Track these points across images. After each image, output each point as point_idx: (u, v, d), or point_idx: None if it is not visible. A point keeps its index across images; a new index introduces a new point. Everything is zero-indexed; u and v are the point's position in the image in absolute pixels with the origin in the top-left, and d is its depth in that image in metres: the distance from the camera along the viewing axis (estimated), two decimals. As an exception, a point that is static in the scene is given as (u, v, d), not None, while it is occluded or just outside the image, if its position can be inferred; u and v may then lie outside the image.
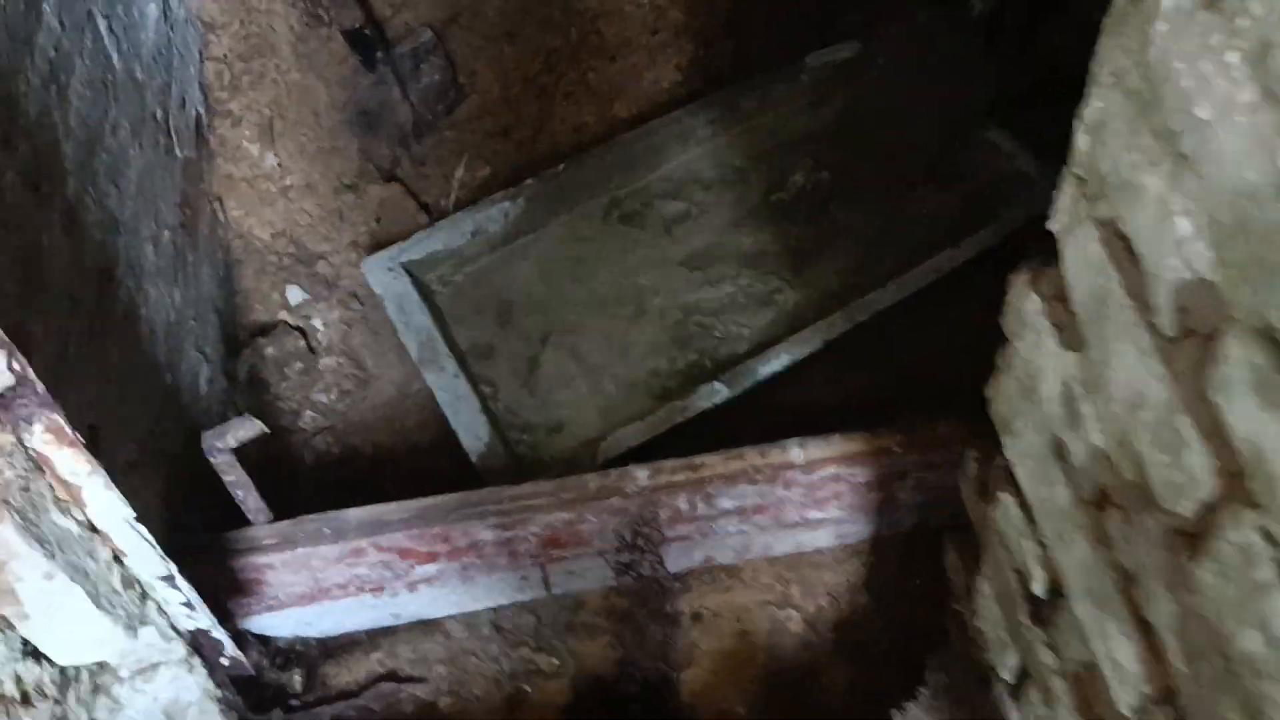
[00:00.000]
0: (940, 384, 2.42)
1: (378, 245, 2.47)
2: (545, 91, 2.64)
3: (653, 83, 2.73)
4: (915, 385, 2.41)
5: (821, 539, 2.20)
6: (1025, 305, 1.29)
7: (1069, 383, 1.18)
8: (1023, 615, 1.46)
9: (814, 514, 2.10)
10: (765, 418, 2.38)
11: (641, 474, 1.97)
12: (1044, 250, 1.22)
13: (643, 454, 2.14)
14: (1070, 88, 2.56)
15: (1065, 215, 1.15)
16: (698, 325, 2.36)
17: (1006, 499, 1.46)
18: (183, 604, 1.54)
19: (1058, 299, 1.19)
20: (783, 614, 2.26)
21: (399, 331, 2.27)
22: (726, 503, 2.01)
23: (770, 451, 1.99)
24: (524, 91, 2.63)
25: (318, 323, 2.46)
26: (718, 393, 2.18)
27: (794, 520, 2.11)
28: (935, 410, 2.36)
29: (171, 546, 1.81)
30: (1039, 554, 1.38)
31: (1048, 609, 1.40)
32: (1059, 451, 1.25)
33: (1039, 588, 1.41)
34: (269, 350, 2.42)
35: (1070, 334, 1.17)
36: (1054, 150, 2.61)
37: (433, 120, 2.57)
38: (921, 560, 2.26)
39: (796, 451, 1.99)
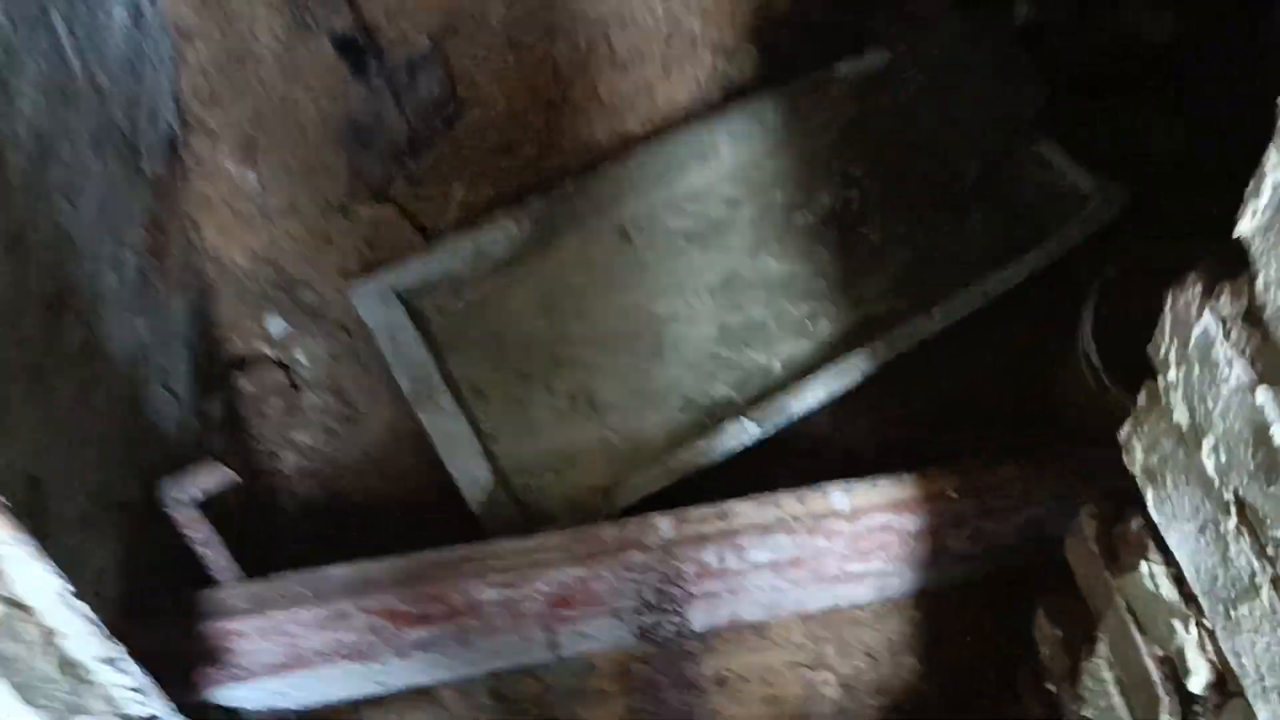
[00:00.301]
0: (987, 412, 2.20)
1: (368, 271, 2.26)
2: (552, 105, 2.44)
3: (668, 96, 2.52)
4: (959, 414, 2.19)
5: (861, 593, 1.97)
6: (1197, 327, 1.03)
7: (1265, 427, 0.94)
8: (1167, 715, 1.20)
9: (856, 567, 1.88)
10: (799, 456, 2.16)
11: (664, 524, 1.75)
12: (1220, 258, 0.98)
13: (663, 501, 1.92)
14: (1119, 89, 2.35)
15: (1267, 211, 0.91)
16: (722, 357, 2.14)
17: (1151, 569, 1.21)
18: (131, 689, 1.30)
19: (1249, 319, 0.95)
20: (816, 677, 2.02)
21: (391, 366, 2.05)
22: (760, 556, 1.78)
23: (810, 498, 1.77)
24: (529, 105, 2.42)
25: (301, 356, 2.24)
26: (747, 432, 1.95)
27: (833, 574, 1.88)
28: (984, 442, 2.15)
29: (128, 610, 1.59)
30: (1198, 640, 1.13)
31: (1209, 711, 1.16)
32: (1240, 514, 1.01)
33: (1196, 683, 1.16)
34: (247, 386, 2.20)
35: (1269, 363, 0.94)
36: (1107, 162, 2.43)
37: (430, 136, 2.36)
38: (973, 617, 2.04)
39: (840, 498, 1.76)
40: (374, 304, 2.11)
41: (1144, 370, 1.95)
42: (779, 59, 2.60)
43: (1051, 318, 2.26)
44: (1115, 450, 1.24)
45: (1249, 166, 0.90)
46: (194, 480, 1.53)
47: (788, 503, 1.77)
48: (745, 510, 1.76)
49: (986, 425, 2.17)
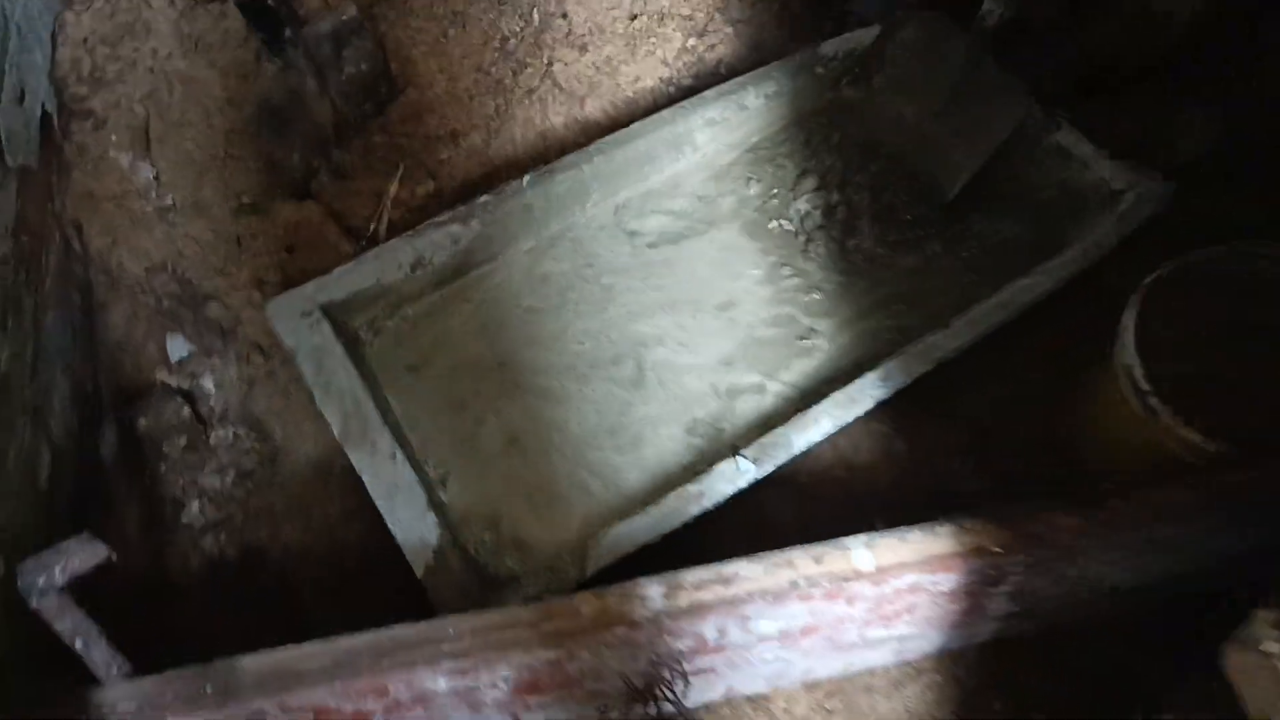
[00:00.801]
0: (1024, 440, 1.93)
1: (289, 283, 1.91)
2: (501, 87, 2.11)
3: (632, 79, 2.21)
4: (982, 443, 1.91)
5: (878, 657, 1.69)
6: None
7: None
8: None
9: (877, 632, 1.59)
10: (797, 488, 1.86)
11: (653, 592, 1.44)
12: None
13: (645, 555, 1.61)
14: (1133, 79, 2.07)
15: None
16: (712, 384, 1.84)
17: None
18: None
19: None
20: (822, 754, 1.73)
21: (317, 398, 1.71)
22: (768, 627, 1.48)
23: (828, 556, 1.47)
24: (475, 86, 2.09)
25: (208, 383, 1.89)
26: (743, 472, 1.65)
27: (850, 641, 1.59)
28: (1013, 477, 1.87)
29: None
30: None
31: None
32: None
33: None
34: (142, 422, 1.84)
35: None
36: (1131, 151, 2.16)
37: (359, 120, 2.02)
38: (1006, 678, 1.76)
39: (863, 555, 1.47)
40: (295, 322, 1.77)
41: (1196, 389, 1.71)
42: (754, 39, 2.30)
43: (1080, 331, 1.99)
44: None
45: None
46: (59, 561, 1.18)
47: (802, 562, 1.47)
48: (752, 573, 1.46)
49: (1012, 456, 1.90)
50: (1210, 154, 2.08)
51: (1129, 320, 1.70)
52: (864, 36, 2.19)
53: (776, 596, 1.44)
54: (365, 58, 1.96)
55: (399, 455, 1.66)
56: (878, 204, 2.08)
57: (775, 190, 2.10)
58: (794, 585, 1.45)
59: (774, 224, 2.04)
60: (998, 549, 1.48)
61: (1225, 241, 1.75)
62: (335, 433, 1.69)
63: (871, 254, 2.02)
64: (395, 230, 1.98)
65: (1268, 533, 1.57)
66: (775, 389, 1.83)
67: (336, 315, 1.82)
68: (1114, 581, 1.64)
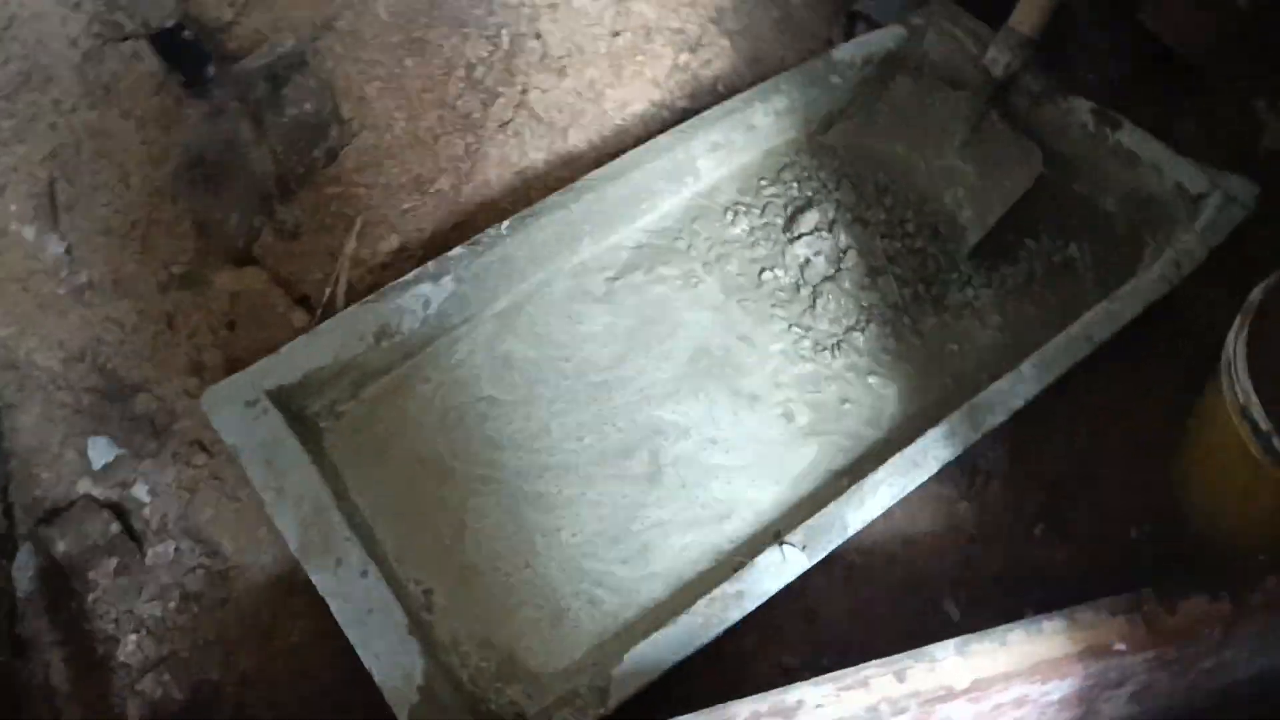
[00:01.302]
0: (1112, 502, 1.64)
1: (233, 365, 1.62)
2: (470, 122, 1.83)
3: (620, 104, 1.93)
4: (1074, 506, 1.63)
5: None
6: None
7: None
8: None
9: (969, 757, 1.29)
10: (855, 579, 1.57)
11: (697, 733, 1.13)
12: None
13: (677, 676, 1.31)
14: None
15: None
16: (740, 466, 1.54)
17: None
18: None
19: None
20: None
21: (268, 505, 1.41)
22: (842, 764, 1.18)
23: (911, 671, 1.17)
24: (440, 124, 1.81)
25: (141, 492, 1.59)
26: (790, 563, 1.36)
27: (937, 770, 1.29)
28: (1120, 554, 1.59)
29: None
30: None
31: None
32: None
33: None
34: (62, 544, 1.54)
35: None
36: (1202, 149, 1.89)
37: (307, 170, 1.73)
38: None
39: (956, 667, 1.17)
40: (240, 413, 1.47)
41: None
42: (752, 51, 2.03)
43: (1166, 366, 1.71)
44: None
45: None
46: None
47: (880, 682, 1.17)
48: (819, 698, 1.16)
49: (1100, 520, 1.61)
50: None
51: (1237, 346, 1.42)
52: (884, 39, 1.93)
53: (852, 728, 1.15)
54: (309, 97, 1.67)
55: (371, 571, 1.35)
56: (896, 246, 1.80)
57: (798, 219, 1.80)
58: (874, 712, 1.15)
59: (804, 263, 1.75)
60: (1123, 646, 1.18)
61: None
62: (292, 547, 1.39)
63: (897, 301, 1.73)
64: (356, 295, 1.68)
65: None
66: (821, 462, 1.54)
67: (289, 401, 1.52)
68: (1249, 672, 1.35)
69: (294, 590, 1.55)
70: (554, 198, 1.69)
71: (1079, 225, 1.77)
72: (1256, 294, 1.46)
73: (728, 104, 1.82)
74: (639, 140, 1.92)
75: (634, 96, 1.94)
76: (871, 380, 1.63)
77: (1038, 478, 1.63)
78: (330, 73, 1.74)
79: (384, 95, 1.79)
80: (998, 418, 1.45)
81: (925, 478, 1.42)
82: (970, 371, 1.63)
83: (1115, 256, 1.72)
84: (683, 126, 1.79)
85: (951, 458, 1.43)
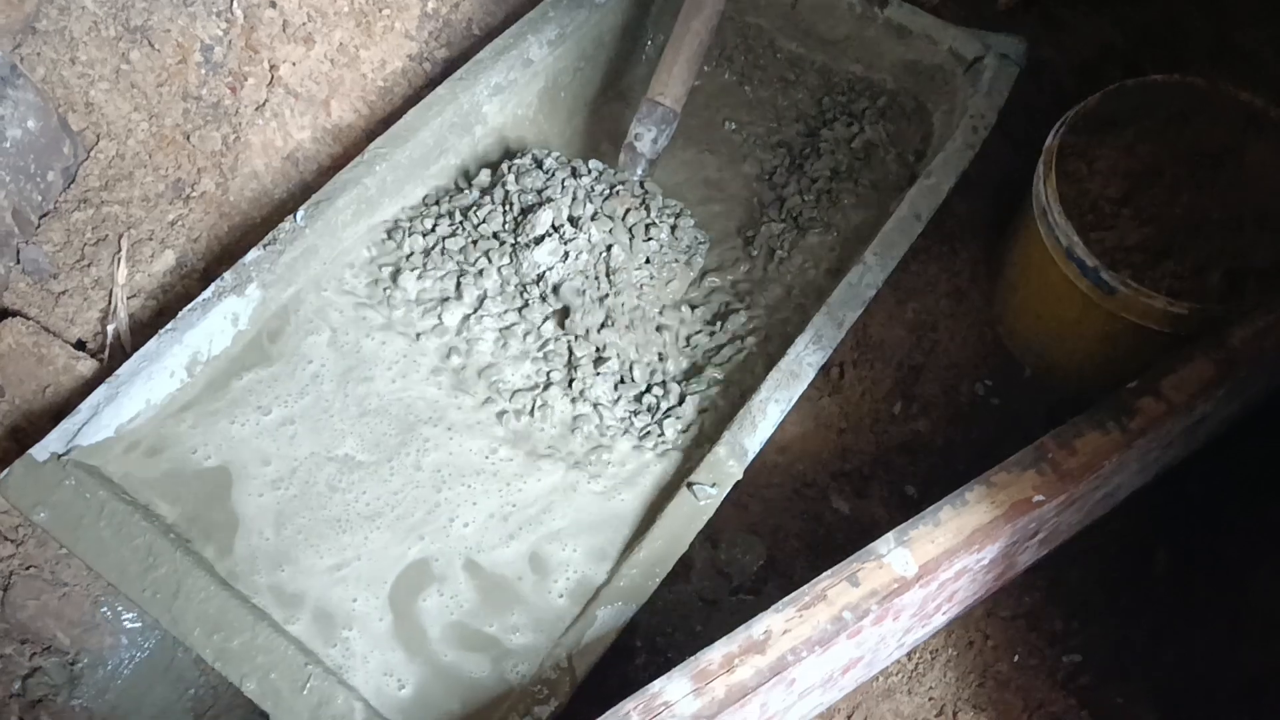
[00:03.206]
0: (952, 361, 1.69)
1: (18, 436, 1.39)
2: (221, 110, 1.64)
3: (378, 64, 1.78)
4: (923, 374, 1.67)
5: (893, 656, 1.42)
6: None
7: None
8: None
9: (914, 634, 1.32)
10: (748, 501, 1.56)
11: (677, 691, 1.09)
12: None
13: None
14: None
15: None
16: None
17: None
18: None
19: None
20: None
21: (108, 575, 1.23)
22: (813, 676, 1.17)
23: (863, 572, 1.17)
24: (187, 118, 1.61)
25: (-57, 604, 1.35)
26: (704, 502, 1.32)
27: (886, 654, 1.31)
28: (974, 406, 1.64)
29: None
30: None
31: None
32: None
33: None
34: None
35: None
36: (944, 16, 1.93)
37: (43, 199, 1.50)
38: (1030, 618, 1.52)
39: (902, 558, 1.18)
40: (47, 492, 1.26)
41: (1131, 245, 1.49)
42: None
43: (960, 229, 1.78)
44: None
45: None
46: None
47: (837, 591, 1.16)
48: (784, 624, 1.13)
49: (947, 381, 1.67)
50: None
51: (1048, 191, 1.49)
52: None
53: (822, 642, 1.13)
54: (32, 112, 1.44)
55: (265, 622, 1.21)
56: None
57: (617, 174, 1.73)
58: (839, 622, 1.14)
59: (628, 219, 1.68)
60: (1040, 496, 1.22)
61: (1110, 83, 1.57)
62: (140, 603, 1.21)
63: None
64: (144, 328, 1.49)
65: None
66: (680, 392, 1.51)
67: (102, 466, 1.32)
68: (1131, 488, 1.44)
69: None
70: (345, 174, 1.54)
71: (867, 108, 1.79)
72: (1052, 140, 1.53)
73: (497, 42, 1.71)
74: (406, 99, 1.79)
75: (390, 54, 1.80)
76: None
77: (885, 360, 1.67)
78: (46, 81, 1.50)
79: (115, 96, 1.56)
80: (855, 311, 1.45)
81: (805, 385, 1.41)
82: (813, 279, 1.63)
83: (908, 131, 1.76)
84: (459, 74, 1.67)
85: (824, 360, 1.43)
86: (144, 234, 1.54)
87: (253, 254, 1.45)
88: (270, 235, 1.47)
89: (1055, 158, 1.51)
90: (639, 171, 1.67)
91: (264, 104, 1.66)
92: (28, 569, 1.38)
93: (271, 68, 1.67)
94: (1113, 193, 1.54)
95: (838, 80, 1.83)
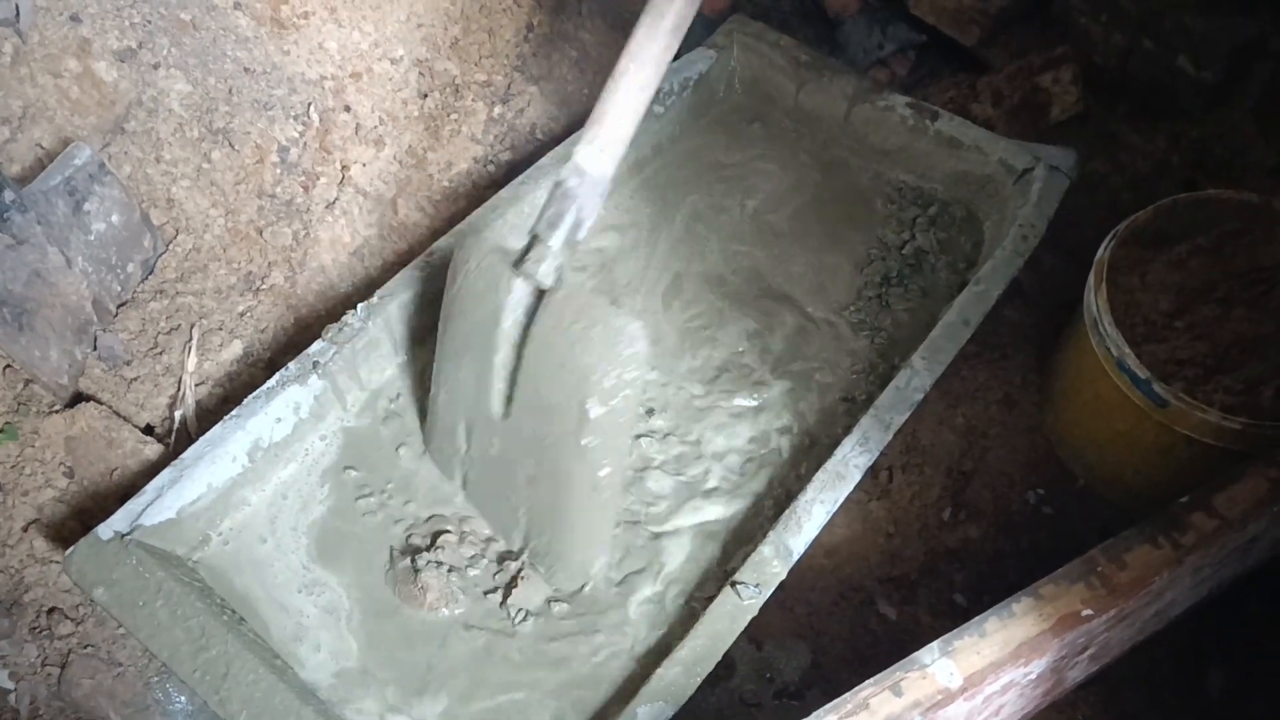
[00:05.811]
0: (1000, 471, 1.69)
1: (83, 515, 1.44)
2: (293, 208, 1.71)
3: (444, 165, 1.86)
4: (971, 482, 1.66)
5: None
6: None
7: None
8: None
9: (957, 750, 1.29)
10: (791, 602, 1.55)
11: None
12: None
13: None
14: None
15: None
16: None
17: None
18: None
19: None
20: None
21: (161, 654, 1.26)
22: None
23: (906, 682, 1.16)
24: (261, 215, 1.69)
25: (1, 677, 1.39)
26: (748, 603, 1.32)
27: (930, 771, 1.28)
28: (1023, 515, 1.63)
29: None
30: None
31: None
32: None
33: None
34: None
35: None
36: (998, 128, 1.97)
37: (124, 288, 1.57)
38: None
39: (946, 669, 1.17)
40: (107, 571, 1.30)
41: (1187, 360, 1.48)
42: (560, 94, 2.00)
43: (1013, 341, 1.79)
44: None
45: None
46: None
47: (879, 700, 1.15)
48: (819, 732, 1.12)
49: (997, 489, 1.66)
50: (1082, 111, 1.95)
51: (1099, 302, 1.50)
52: (695, 62, 1.94)
53: (861, 755, 1.12)
54: (116, 207, 1.51)
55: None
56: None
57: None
58: (878, 734, 1.13)
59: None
60: (1089, 611, 1.21)
61: (1164, 197, 1.58)
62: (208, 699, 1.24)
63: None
64: (209, 414, 1.54)
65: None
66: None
67: (165, 548, 1.36)
68: (1185, 605, 1.41)
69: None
70: (406, 273, 1.60)
71: (918, 216, 1.82)
72: (1104, 251, 1.54)
73: (559, 149, 1.77)
74: (470, 199, 1.86)
75: (456, 156, 1.87)
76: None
77: (934, 465, 1.67)
78: (131, 179, 1.59)
79: (194, 193, 1.64)
80: (903, 414, 1.46)
81: (852, 487, 1.42)
82: (861, 382, 1.65)
83: (958, 240, 1.78)
84: (522, 176, 1.73)
85: (871, 462, 1.44)
86: (214, 324, 1.61)
87: (315, 345, 1.50)
88: (328, 328, 1.52)
89: (1107, 269, 1.52)
90: (552, 277, 1.26)
91: (334, 202, 1.73)
92: (85, 648, 1.42)
93: (343, 168, 1.75)
94: (1165, 306, 1.55)
95: (889, 189, 1.87)
